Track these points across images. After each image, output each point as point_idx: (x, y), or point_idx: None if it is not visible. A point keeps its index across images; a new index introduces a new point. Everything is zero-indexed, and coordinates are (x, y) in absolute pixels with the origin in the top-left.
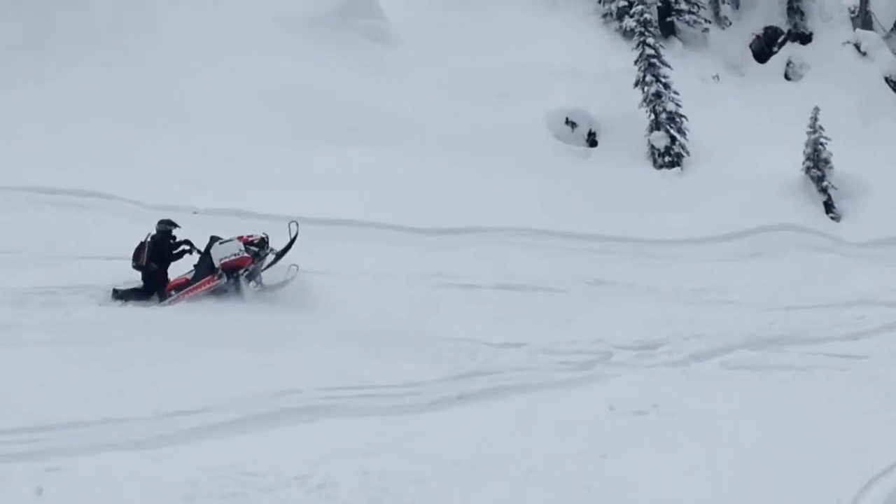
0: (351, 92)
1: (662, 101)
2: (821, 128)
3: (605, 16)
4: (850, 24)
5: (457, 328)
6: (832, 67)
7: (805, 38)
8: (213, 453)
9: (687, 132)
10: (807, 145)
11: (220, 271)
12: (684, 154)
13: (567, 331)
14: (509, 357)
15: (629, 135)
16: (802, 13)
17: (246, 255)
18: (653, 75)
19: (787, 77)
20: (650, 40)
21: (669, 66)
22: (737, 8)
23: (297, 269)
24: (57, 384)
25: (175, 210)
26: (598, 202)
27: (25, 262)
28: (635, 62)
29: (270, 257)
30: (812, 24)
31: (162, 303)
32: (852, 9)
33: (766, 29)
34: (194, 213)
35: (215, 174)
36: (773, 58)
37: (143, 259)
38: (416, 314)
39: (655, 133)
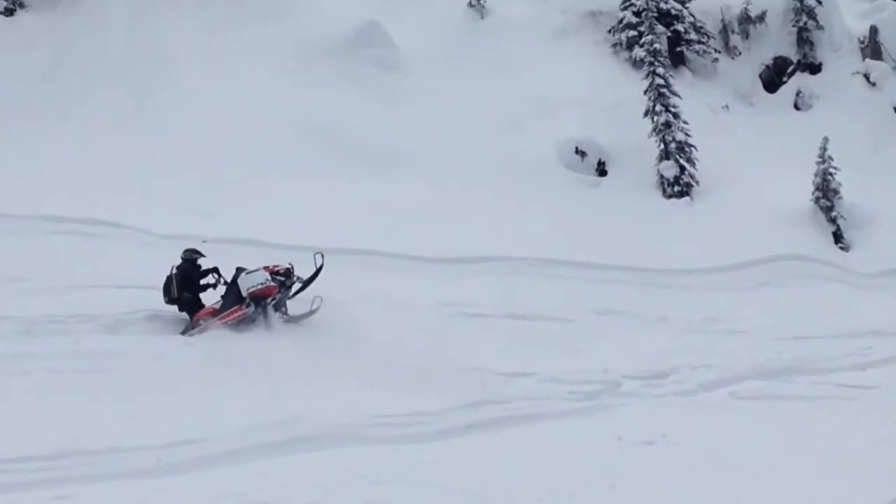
0: (363, 122)
1: (672, 131)
2: (830, 158)
3: (614, 45)
4: (859, 54)
5: (467, 357)
6: (842, 97)
7: (814, 69)
8: (221, 482)
9: (696, 162)
10: (816, 175)
11: (248, 300)
12: (693, 184)
13: (576, 360)
14: (518, 386)
15: (638, 164)
16: (812, 43)
17: (272, 283)
18: (662, 105)
19: (796, 107)
20: (660, 70)
21: (679, 96)
22: (746, 38)
23: (322, 301)
24: (65, 413)
25: (185, 239)
26: (607, 232)
27: (35, 290)
28: (645, 92)
29: (297, 286)
30: (822, 54)
31: (191, 332)
32: (862, 39)
33: (776, 59)
34: (203, 241)
35: (227, 204)
36: (783, 88)
37: (174, 291)
38: (428, 343)
39: (665, 163)
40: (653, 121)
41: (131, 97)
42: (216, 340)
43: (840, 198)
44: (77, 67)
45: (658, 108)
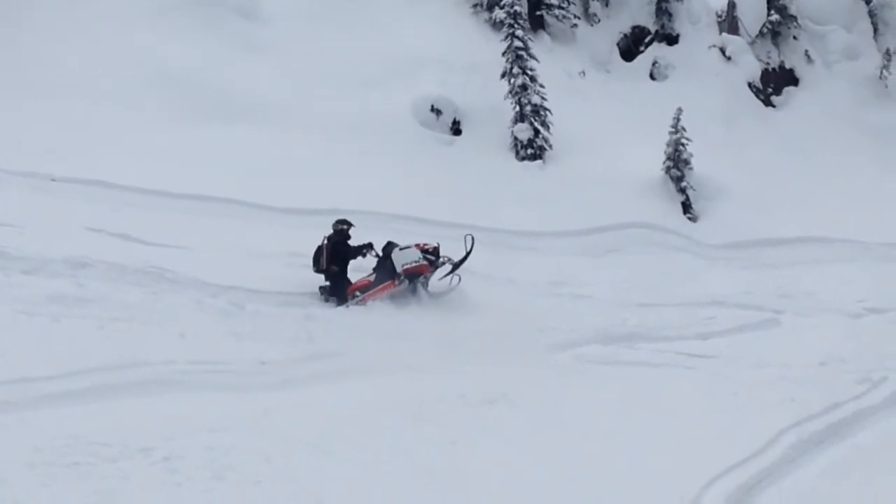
0: (220, 70)
1: (528, 94)
2: (683, 128)
3: (475, 6)
4: (716, 27)
5: (313, 308)
6: (697, 70)
7: (672, 40)
8: (59, 421)
9: (551, 126)
10: (668, 145)
11: (402, 276)
12: (547, 147)
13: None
14: (362, 340)
15: (494, 125)
16: (670, 14)
17: (424, 262)
18: (520, 67)
19: (652, 77)
20: (519, 32)
21: (537, 60)
22: (606, 5)
23: (460, 280)
24: None
25: (32, 177)
26: (458, 190)
27: None
28: (503, 53)
29: (448, 267)
30: (679, 25)
31: (348, 304)
32: (719, 13)
33: (634, 28)
34: (52, 180)
35: (80, 145)
36: (640, 57)
37: (323, 262)
38: (274, 292)
39: (519, 125)
40: (509, 83)
41: None
42: (60, 280)
43: (691, 168)
44: None
45: (515, 70)
